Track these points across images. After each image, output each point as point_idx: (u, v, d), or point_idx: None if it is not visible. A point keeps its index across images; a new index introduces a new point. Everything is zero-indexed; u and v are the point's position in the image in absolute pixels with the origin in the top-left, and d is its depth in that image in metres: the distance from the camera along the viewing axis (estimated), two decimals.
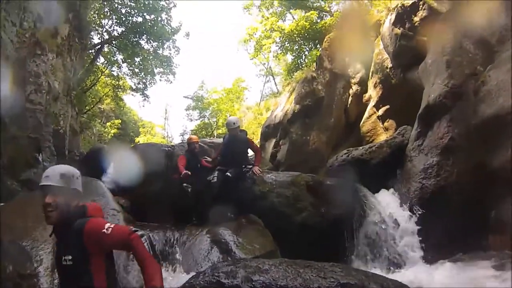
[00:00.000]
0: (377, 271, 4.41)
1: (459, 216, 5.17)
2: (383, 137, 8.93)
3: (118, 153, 7.99)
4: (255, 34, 20.83)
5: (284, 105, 13.46)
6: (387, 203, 5.91)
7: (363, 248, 5.40)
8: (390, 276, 3.48)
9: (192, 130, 29.24)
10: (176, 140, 26.36)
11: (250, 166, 6.51)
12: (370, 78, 10.30)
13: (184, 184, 6.15)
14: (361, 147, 7.28)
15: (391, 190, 6.28)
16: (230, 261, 3.48)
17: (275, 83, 26.17)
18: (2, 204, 4.54)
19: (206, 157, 7.45)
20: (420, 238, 5.36)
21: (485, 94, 5.29)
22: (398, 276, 4.18)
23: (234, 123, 6.68)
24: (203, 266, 4.18)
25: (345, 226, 5.54)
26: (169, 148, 7.44)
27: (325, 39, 12.62)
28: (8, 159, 5.62)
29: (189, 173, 6.04)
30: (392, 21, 8.53)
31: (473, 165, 5.27)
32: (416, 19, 7.94)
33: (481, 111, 5.26)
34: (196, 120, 30.71)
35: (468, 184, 5.25)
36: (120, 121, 23.31)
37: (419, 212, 5.58)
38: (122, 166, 6.75)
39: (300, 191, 5.91)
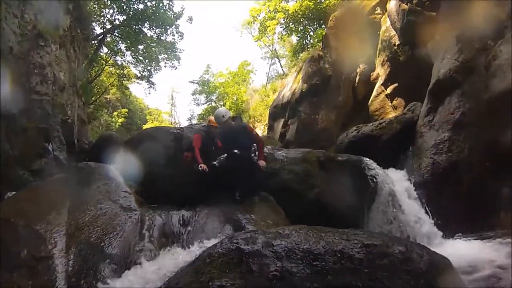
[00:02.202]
0: None
1: (470, 192, 5.11)
2: (391, 115, 8.80)
3: (126, 138, 8.05)
4: (259, 16, 20.61)
5: (292, 84, 13.42)
6: (398, 179, 5.85)
7: (375, 224, 5.38)
8: None
9: (199, 115, 29.32)
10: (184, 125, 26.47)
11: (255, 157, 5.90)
12: (377, 56, 10.16)
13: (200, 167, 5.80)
14: (370, 124, 7.21)
15: (402, 166, 6.22)
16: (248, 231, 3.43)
17: (280, 65, 26.06)
18: (14, 192, 4.63)
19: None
20: (431, 215, 5.31)
21: (496, 68, 5.12)
22: None
23: (223, 116, 5.92)
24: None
25: (357, 203, 5.48)
26: (178, 131, 7.37)
27: (331, 18, 12.44)
28: (19, 150, 5.68)
29: (206, 168, 5.66)
30: None
31: (485, 140, 5.13)
32: None
33: (493, 86, 5.11)
34: (203, 104, 30.94)
35: (480, 160, 5.15)
36: (126, 110, 23.45)
37: (430, 188, 5.53)
38: (131, 151, 6.76)
39: (312, 167, 5.86)
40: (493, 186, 4.92)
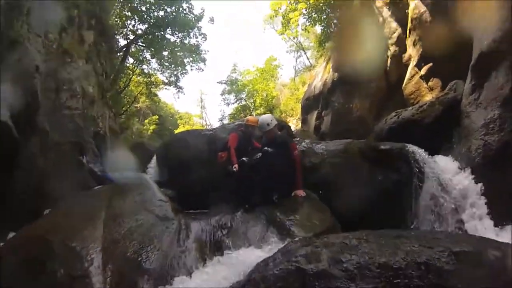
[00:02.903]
0: None
1: None
2: (428, 97, 8.29)
3: (158, 145, 8.04)
4: (280, 9, 20.28)
5: (322, 74, 13.07)
6: (446, 165, 5.39)
7: (425, 217, 4.98)
8: None
9: (230, 114, 29.36)
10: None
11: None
12: (407, 36, 9.62)
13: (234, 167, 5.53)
14: (410, 108, 6.77)
15: (448, 150, 5.75)
16: (302, 240, 2.97)
17: (307, 57, 25.65)
18: (49, 210, 4.63)
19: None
20: (487, 204, 4.77)
21: None
22: None
23: (268, 124, 5.46)
24: (262, 248, 3.91)
25: (403, 193, 5.13)
26: (211, 132, 7.22)
27: (354, 3, 11.95)
28: (54, 165, 5.73)
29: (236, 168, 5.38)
30: None
31: None
32: None
33: None
34: (233, 103, 30.81)
35: None
36: (157, 117, 23.77)
37: (483, 173, 5.02)
38: (163, 157, 6.71)
39: (354, 158, 5.56)
40: None
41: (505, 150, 4.91)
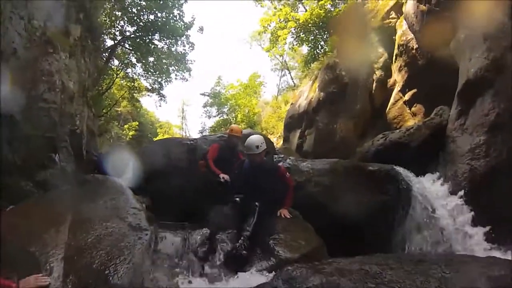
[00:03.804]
0: None
1: None
2: (411, 122, 8.51)
3: (137, 151, 7.73)
4: (269, 26, 20.42)
5: (308, 93, 13.09)
6: (433, 187, 5.46)
7: (414, 239, 4.89)
8: None
9: (210, 127, 29.20)
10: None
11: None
12: (394, 62, 9.80)
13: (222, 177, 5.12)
14: (397, 130, 6.93)
15: (436, 174, 5.84)
16: (307, 266, 2.51)
17: (291, 76, 25.98)
18: (12, 206, 4.20)
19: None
20: (473, 224, 4.90)
21: None
22: None
23: (257, 146, 4.64)
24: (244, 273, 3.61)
25: (392, 214, 5.09)
26: (191, 142, 6.98)
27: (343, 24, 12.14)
28: (22, 159, 5.32)
29: (228, 178, 4.98)
30: None
31: None
32: None
33: None
34: (215, 116, 30.81)
35: None
36: (137, 123, 23.32)
37: (470, 196, 5.11)
38: (142, 163, 6.40)
39: (340, 178, 5.44)
40: None
41: (492, 175, 5.06)
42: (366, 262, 2.16)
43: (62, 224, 3.46)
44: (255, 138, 4.78)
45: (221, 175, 5.10)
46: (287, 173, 4.93)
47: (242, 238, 3.98)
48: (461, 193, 5.18)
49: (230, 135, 6.01)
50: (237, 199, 4.50)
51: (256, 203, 4.30)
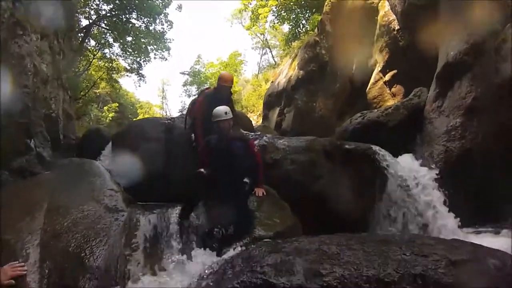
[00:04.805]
0: None
1: (487, 180, 4.90)
2: (390, 103, 8.56)
3: (114, 132, 7.64)
4: (250, 4, 20.12)
5: (287, 71, 13.03)
6: (410, 167, 5.50)
7: (388, 218, 5.03)
8: None
9: None
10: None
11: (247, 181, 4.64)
12: (375, 42, 9.78)
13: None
14: (375, 110, 6.99)
15: (413, 154, 5.90)
16: (267, 244, 2.56)
17: (272, 55, 25.87)
18: None
19: None
20: (448, 206, 4.97)
21: (506, 52, 4.91)
22: None
23: (226, 113, 4.56)
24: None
25: (366, 193, 5.13)
26: (169, 121, 6.87)
27: (326, 3, 12.01)
28: None
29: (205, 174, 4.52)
30: None
31: (499, 126, 4.94)
32: None
33: (503, 70, 4.91)
34: (194, 95, 30.26)
35: (495, 146, 4.96)
36: (117, 104, 22.85)
37: (444, 177, 5.22)
38: (120, 145, 6.33)
39: (317, 156, 5.38)
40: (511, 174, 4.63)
41: (466, 157, 5.23)
42: (327, 242, 2.13)
43: (37, 211, 3.44)
44: (222, 107, 4.67)
45: (201, 170, 4.64)
46: (256, 147, 4.94)
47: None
48: (436, 173, 5.28)
49: (220, 85, 5.40)
50: (202, 170, 4.47)
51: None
